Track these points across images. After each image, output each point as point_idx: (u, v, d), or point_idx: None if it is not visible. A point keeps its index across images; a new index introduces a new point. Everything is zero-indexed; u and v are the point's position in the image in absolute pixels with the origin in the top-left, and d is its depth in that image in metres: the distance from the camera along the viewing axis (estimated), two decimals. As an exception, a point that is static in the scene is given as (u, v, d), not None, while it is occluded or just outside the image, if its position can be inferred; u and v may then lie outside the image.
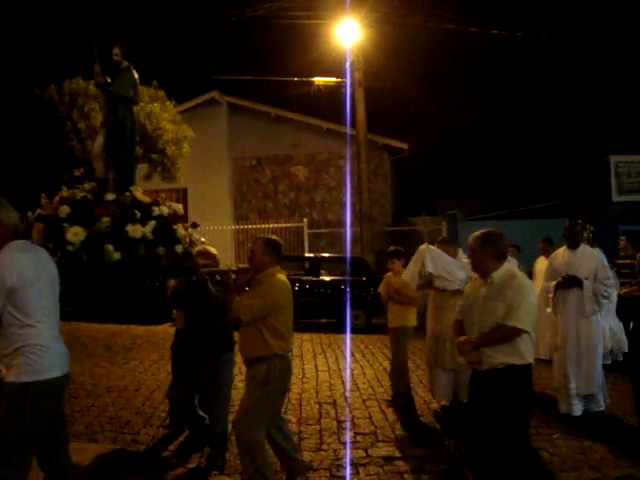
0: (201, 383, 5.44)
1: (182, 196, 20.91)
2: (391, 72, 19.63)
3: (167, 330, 12.05)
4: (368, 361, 9.67)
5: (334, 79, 16.15)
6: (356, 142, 15.86)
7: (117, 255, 4.79)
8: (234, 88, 20.52)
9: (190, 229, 5.74)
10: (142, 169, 15.62)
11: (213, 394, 5.41)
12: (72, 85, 14.42)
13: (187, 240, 5.43)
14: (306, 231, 18.67)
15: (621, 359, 8.71)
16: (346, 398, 7.53)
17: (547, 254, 9.37)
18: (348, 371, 8.94)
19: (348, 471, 5.32)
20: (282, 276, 4.83)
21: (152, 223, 5.06)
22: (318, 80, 16.35)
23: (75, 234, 4.76)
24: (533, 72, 25.04)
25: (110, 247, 4.76)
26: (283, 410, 5.87)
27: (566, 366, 6.77)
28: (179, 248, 5.20)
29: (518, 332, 4.39)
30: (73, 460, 4.02)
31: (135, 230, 4.90)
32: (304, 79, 16.96)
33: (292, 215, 20.42)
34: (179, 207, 5.77)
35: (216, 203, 20.40)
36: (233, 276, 5.05)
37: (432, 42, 20.58)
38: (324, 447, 5.84)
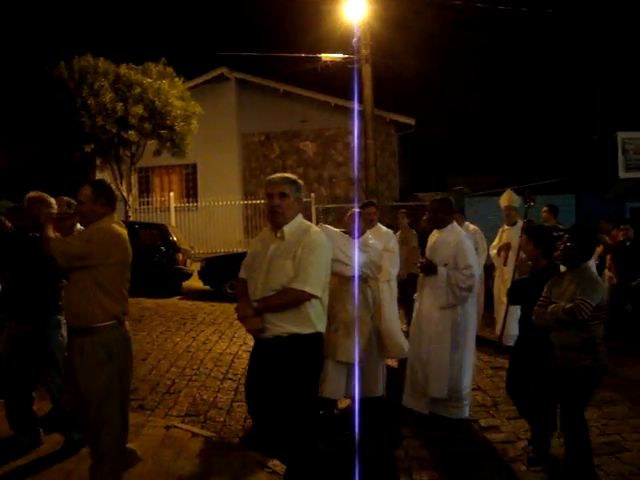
0: (30, 349, 4.78)
1: (192, 171, 21.17)
2: (398, 48, 19.66)
3: (177, 303, 12.35)
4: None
5: (341, 55, 16.19)
6: (363, 118, 15.94)
7: None
8: (243, 64, 20.62)
9: None
10: (151, 145, 15.87)
11: (46, 362, 4.85)
12: (82, 62, 14.63)
13: None
14: (314, 206, 18.85)
15: None
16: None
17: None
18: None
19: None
20: (121, 228, 4.08)
21: None
22: (325, 56, 16.38)
23: None
24: (541, 48, 24.88)
25: None
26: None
27: (414, 359, 6.06)
28: None
29: (306, 297, 3.82)
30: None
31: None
32: (312, 55, 17.00)
33: (300, 190, 20.58)
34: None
35: (225, 178, 20.61)
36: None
37: (439, 18, 20.49)
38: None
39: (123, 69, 14.85)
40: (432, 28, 21.78)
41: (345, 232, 6.30)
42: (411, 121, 20.44)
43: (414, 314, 6.33)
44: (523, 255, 5.59)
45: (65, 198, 5.14)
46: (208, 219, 18.28)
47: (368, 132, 15.82)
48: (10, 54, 22.17)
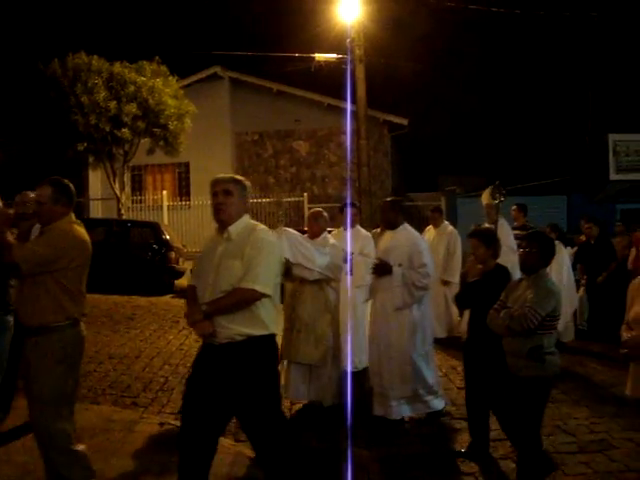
0: None
1: (184, 170, 21.18)
2: (392, 48, 19.73)
3: (169, 301, 12.37)
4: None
5: (335, 55, 16.25)
6: (356, 118, 16.00)
7: None
8: (236, 63, 20.65)
9: None
10: (145, 143, 15.88)
11: None
12: (75, 60, 14.62)
13: None
14: (307, 205, 18.88)
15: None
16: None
17: (436, 225, 9.53)
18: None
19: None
20: (80, 228, 4.01)
21: None
22: (319, 56, 16.45)
23: None
24: (534, 50, 25.02)
25: None
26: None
27: (375, 364, 5.97)
28: None
29: (257, 296, 3.68)
30: (75, 419, 4.22)
31: None
32: (305, 55, 17.06)
33: (293, 190, 20.65)
34: None
35: (218, 177, 20.58)
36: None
37: (433, 19, 20.58)
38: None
39: (117, 67, 14.85)
40: (426, 29, 21.91)
41: (307, 234, 6.26)
42: (404, 121, 20.51)
43: (369, 318, 6.28)
44: (472, 258, 5.35)
45: (31, 194, 4.72)
46: (200, 218, 18.27)
47: (361, 132, 15.88)
48: (3, 52, 22.10)
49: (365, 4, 15.42)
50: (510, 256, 7.28)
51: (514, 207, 9.95)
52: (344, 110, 17.55)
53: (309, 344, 5.93)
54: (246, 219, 3.95)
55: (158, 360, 7.72)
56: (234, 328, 3.69)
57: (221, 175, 4.03)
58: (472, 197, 17.83)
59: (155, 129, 15.44)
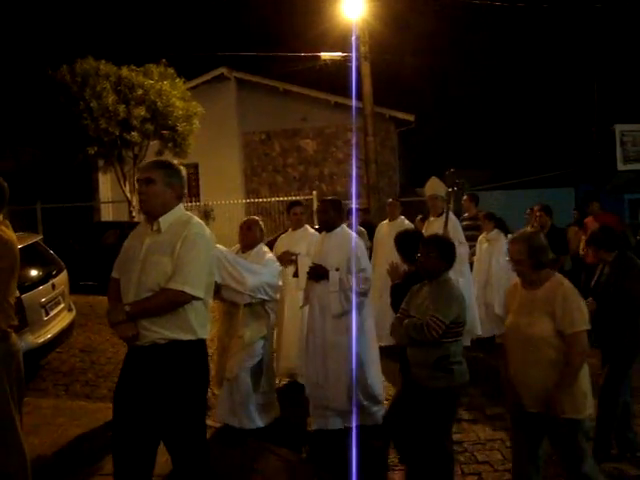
0: None
1: (194, 171, 21.30)
2: (397, 45, 19.80)
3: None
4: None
5: (340, 53, 16.35)
6: (363, 115, 16.10)
7: None
8: (242, 64, 20.75)
9: None
10: (154, 145, 16.01)
11: None
12: (84, 65, 14.72)
13: None
14: (315, 204, 18.96)
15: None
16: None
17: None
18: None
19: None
20: (10, 232, 3.81)
21: None
22: (325, 55, 16.55)
23: None
24: (539, 41, 25.00)
25: None
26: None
27: (313, 374, 5.62)
28: None
29: (187, 298, 3.37)
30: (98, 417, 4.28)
31: None
32: (311, 54, 17.16)
33: (302, 188, 20.74)
34: None
35: (227, 177, 20.76)
36: None
37: (437, 13, 20.62)
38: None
39: (125, 71, 14.97)
40: (430, 24, 21.92)
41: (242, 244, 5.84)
42: (410, 117, 20.57)
43: (305, 328, 5.83)
44: (395, 260, 5.13)
45: None
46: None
47: (368, 129, 15.98)
48: (12, 58, 22.29)
49: (369, 1, 15.51)
50: (460, 250, 6.90)
51: (465, 197, 9.84)
52: (351, 108, 17.64)
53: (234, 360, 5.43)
54: (179, 210, 3.60)
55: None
56: (158, 331, 3.38)
57: (146, 161, 3.73)
58: (478, 191, 17.92)
59: (164, 131, 15.55)
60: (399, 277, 4.98)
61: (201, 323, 3.50)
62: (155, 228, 3.50)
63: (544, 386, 3.75)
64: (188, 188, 21.05)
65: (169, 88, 15.25)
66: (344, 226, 5.70)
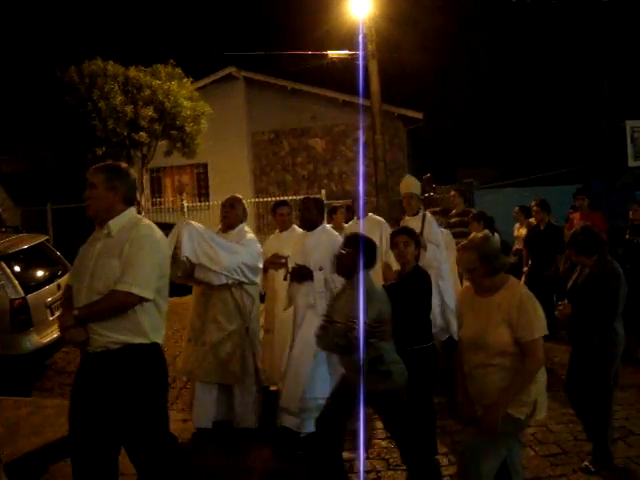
0: None
1: (202, 171, 21.35)
2: (405, 43, 19.73)
3: (189, 301, 12.50)
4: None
5: (348, 52, 16.30)
6: (371, 113, 16.04)
7: None
8: (250, 63, 20.78)
9: None
10: (162, 146, 16.04)
11: None
12: (91, 66, 14.81)
13: None
14: (325, 202, 18.93)
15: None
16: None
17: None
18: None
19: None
20: None
21: None
22: (332, 53, 16.52)
23: None
24: (548, 38, 24.84)
25: None
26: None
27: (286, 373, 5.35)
28: None
29: (134, 300, 3.31)
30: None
31: None
32: (318, 52, 17.14)
33: (311, 187, 20.73)
34: None
35: (236, 177, 20.76)
36: None
37: (445, 10, 20.51)
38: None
39: (132, 72, 15.03)
40: (437, 21, 21.83)
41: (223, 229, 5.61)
42: (419, 115, 20.49)
43: (292, 332, 5.48)
44: (386, 261, 5.11)
45: None
46: (220, 218, 18.39)
47: (376, 127, 15.92)
48: (21, 60, 22.42)
49: (376, -1, 15.45)
50: (436, 253, 6.84)
51: (453, 192, 9.72)
52: (359, 106, 17.61)
53: (217, 360, 5.23)
54: (130, 213, 3.57)
55: (180, 359, 7.86)
56: (109, 336, 3.32)
57: (93, 166, 3.61)
58: (489, 188, 17.84)
59: (172, 131, 15.60)
60: (393, 278, 4.87)
61: (154, 327, 3.45)
62: (106, 232, 3.47)
63: (494, 393, 3.63)
64: (198, 187, 21.22)
65: (177, 88, 15.29)
66: (325, 225, 5.59)
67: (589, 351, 4.71)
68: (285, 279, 5.54)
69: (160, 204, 19.79)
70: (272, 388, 5.98)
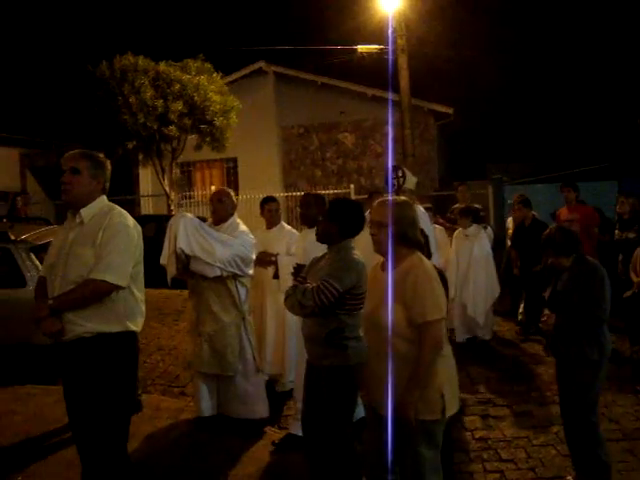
0: None
1: (232, 165, 21.46)
2: (434, 37, 19.55)
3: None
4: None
5: (377, 46, 16.23)
6: (400, 108, 15.97)
7: None
8: (280, 58, 20.78)
9: None
10: (192, 140, 16.14)
11: None
12: (123, 61, 14.92)
13: None
14: (353, 197, 18.91)
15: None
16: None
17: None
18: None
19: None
20: None
21: None
22: (362, 48, 16.46)
23: None
24: (580, 31, 24.49)
25: None
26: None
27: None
28: None
29: (109, 287, 3.29)
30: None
31: None
32: (348, 47, 17.10)
33: (340, 181, 20.70)
34: None
35: (266, 171, 20.82)
36: None
37: (474, 4, 20.35)
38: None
39: (162, 66, 15.12)
40: (468, 16, 21.67)
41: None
42: (449, 110, 20.33)
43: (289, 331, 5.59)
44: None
45: None
46: (249, 212, 18.50)
47: (405, 122, 15.85)
48: (53, 55, 22.76)
49: (406, -7, 15.36)
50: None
51: (461, 188, 10.05)
52: (389, 101, 17.53)
53: (215, 351, 5.31)
54: (102, 201, 3.55)
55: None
56: (84, 325, 3.31)
57: (71, 151, 3.63)
58: (520, 184, 17.63)
59: (202, 125, 15.67)
60: None
61: (130, 314, 3.44)
62: (78, 220, 3.46)
63: (396, 383, 3.34)
64: (227, 182, 21.34)
65: (206, 83, 15.35)
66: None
67: (578, 361, 4.42)
68: (274, 277, 5.53)
69: (190, 197, 19.94)
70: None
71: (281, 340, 6.17)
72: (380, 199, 3.75)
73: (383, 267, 3.61)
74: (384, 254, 3.55)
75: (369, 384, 3.61)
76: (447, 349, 3.54)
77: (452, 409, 3.47)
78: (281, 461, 4.87)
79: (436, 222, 8.91)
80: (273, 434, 5.35)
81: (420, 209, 7.05)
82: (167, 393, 6.57)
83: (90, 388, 3.32)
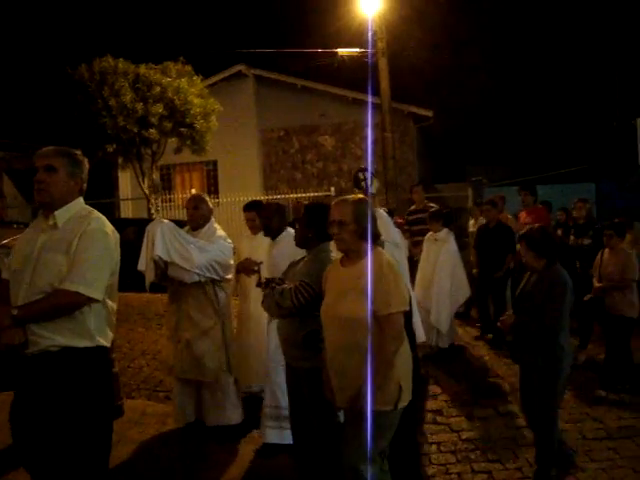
0: None
1: (212, 168, 21.40)
2: (414, 40, 19.69)
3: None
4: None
5: (357, 50, 16.28)
6: (380, 111, 16.02)
7: None
8: (260, 61, 20.78)
9: None
10: (172, 143, 16.08)
11: None
12: (102, 63, 14.82)
13: None
14: (334, 200, 18.91)
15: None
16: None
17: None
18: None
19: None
20: None
21: None
22: (342, 51, 16.49)
23: None
24: (559, 34, 24.72)
25: None
26: None
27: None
28: None
29: (82, 300, 3.02)
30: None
31: None
32: (328, 50, 17.12)
33: (320, 184, 20.71)
34: None
35: (246, 174, 20.78)
36: None
37: (454, 6, 20.48)
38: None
39: (142, 69, 15.05)
40: (447, 19, 21.79)
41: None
42: (429, 113, 20.44)
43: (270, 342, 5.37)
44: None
45: None
46: (230, 215, 18.46)
47: (385, 125, 15.90)
48: (31, 58, 22.54)
49: (385, -4, 15.41)
50: (394, 252, 6.85)
51: (415, 188, 10.03)
52: (369, 103, 17.58)
53: (194, 357, 5.28)
54: (79, 203, 3.28)
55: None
56: (50, 337, 3.00)
57: (45, 148, 3.35)
58: (499, 186, 17.77)
59: (182, 129, 15.62)
60: None
61: (100, 328, 3.15)
62: (51, 223, 3.17)
63: (355, 375, 3.36)
64: (207, 185, 21.26)
65: (187, 86, 15.31)
66: (290, 231, 5.32)
67: (533, 369, 4.49)
68: (257, 286, 5.58)
69: (170, 201, 19.84)
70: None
71: (265, 348, 6.15)
72: (338, 199, 3.76)
73: (343, 263, 3.65)
74: (347, 251, 3.61)
75: (331, 377, 3.60)
76: (405, 343, 3.58)
77: (404, 402, 3.50)
78: (265, 464, 4.87)
79: (395, 222, 8.89)
80: (259, 438, 5.33)
81: (381, 213, 7.13)
82: (152, 398, 6.52)
83: (55, 409, 3.01)
